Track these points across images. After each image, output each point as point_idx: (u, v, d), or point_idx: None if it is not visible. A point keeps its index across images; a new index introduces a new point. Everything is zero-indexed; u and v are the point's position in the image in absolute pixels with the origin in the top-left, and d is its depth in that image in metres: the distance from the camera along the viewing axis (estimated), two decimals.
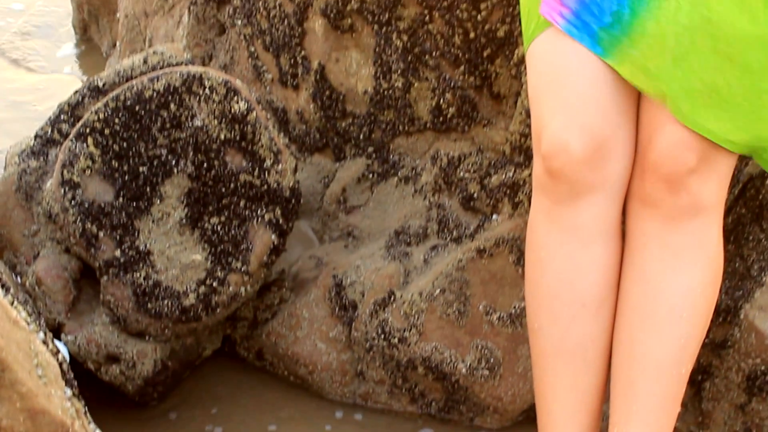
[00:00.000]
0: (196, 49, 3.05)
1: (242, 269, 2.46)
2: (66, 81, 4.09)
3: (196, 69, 2.48)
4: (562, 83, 2.02)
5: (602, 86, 2.00)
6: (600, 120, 1.99)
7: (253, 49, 2.90)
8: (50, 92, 3.98)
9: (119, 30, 3.64)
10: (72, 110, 2.60)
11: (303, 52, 2.79)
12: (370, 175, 2.75)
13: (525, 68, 2.44)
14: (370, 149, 2.76)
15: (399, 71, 2.66)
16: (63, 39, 4.39)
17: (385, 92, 2.69)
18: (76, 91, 2.62)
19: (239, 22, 2.92)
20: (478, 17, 2.50)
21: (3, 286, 2.20)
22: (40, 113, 3.78)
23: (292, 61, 2.82)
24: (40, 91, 4.01)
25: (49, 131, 2.60)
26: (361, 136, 2.77)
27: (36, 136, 2.62)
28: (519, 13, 2.44)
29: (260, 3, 2.84)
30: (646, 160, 2.00)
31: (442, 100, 2.63)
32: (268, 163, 2.47)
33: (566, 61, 2.01)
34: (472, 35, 2.53)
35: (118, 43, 3.72)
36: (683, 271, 2.03)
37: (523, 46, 2.14)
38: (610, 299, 2.07)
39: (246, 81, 2.94)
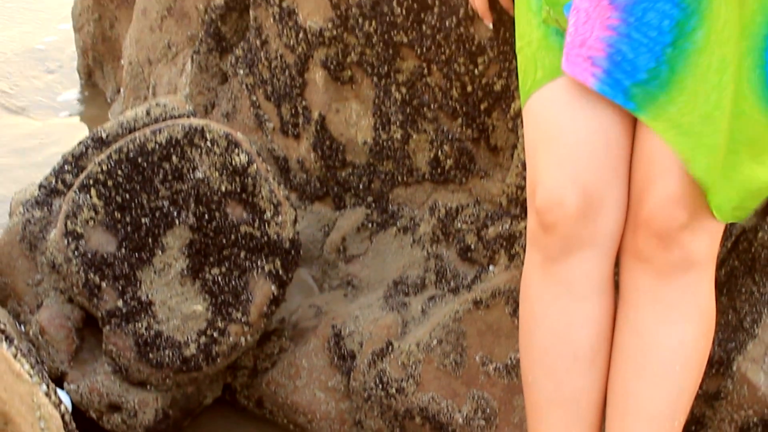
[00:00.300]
0: (199, 97, 3.08)
1: (242, 320, 2.49)
2: (69, 126, 4.10)
3: (198, 122, 2.51)
4: (557, 139, 2.04)
5: (596, 142, 2.02)
6: (593, 176, 2.01)
7: (254, 98, 2.94)
8: (54, 138, 4.00)
9: (123, 76, 3.68)
10: (76, 161, 2.63)
11: (304, 102, 2.82)
12: (370, 225, 2.78)
13: (521, 122, 2.47)
14: (370, 199, 2.79)
15: (398, 123, 2.69)
16: (67, 84, 4.42)
17: (384, 143, 2.73)
18: (80, 142, 2.65)
19: (241, 71, 2.96)
20: (476, 71, 2.54)
21: (7, 338, 2.23)
22: (44, 159, 3.78)
23: (293, 110, 2.85)
24: (43, 137, 4.02)
25: (53, 181, 2.64)
26: (361, 186, 2.80)
27: (40, 186, 2.65)
28: (515, 68, 2.48)
29: (262, 53, 2.88)
30: (638, 215, 2.02)
31: (440, 152, 2.66)
32: (268, 214, 2.50)
33: (561, 118, 2.04)
34: (469, 89, 2.57)
35: (122, 90, 3.75)
36: (676, 326, 2.05)
37: (520, 100, 2.17)
38: (603, 352, 2.09)
39: (248, 129, 2.97)
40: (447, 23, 2.53)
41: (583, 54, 2.00)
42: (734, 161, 1.97)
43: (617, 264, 2.10)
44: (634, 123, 2.02)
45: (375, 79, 2.69)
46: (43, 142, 3.98)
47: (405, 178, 2.73)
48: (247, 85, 2.95)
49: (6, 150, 3.94)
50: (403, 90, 2.66)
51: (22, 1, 5.26)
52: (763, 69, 1.96)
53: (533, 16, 2.14)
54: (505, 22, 2.46)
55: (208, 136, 2.49)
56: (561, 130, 2.04)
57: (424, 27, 2.57)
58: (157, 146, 2.48)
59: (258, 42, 2.88)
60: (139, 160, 2.48)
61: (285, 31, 2.79)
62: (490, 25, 2.43)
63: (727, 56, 1.93)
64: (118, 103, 3.84)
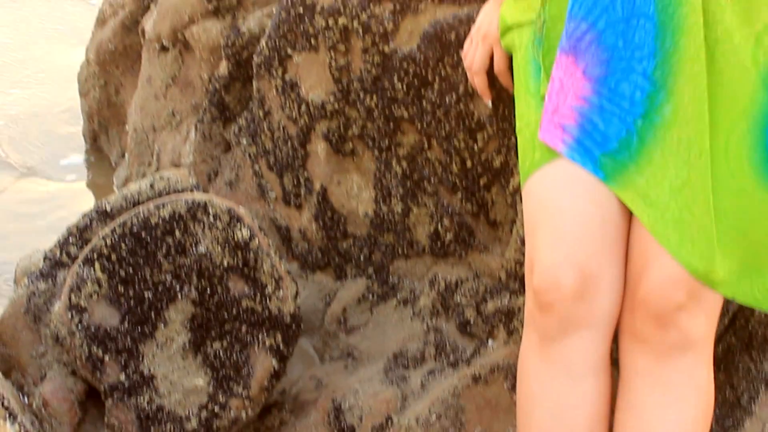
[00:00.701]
0: (203, 165, 3.11)
1: (243, 394, 2.51)
2: (74, 191, 4.11)
3: (201, 196, 2.54)
4: (554, 219, 2.05)
5: (593, 223, 2.03)
6: (590, 257, 2.03)
7: (257, 167, 2.97)
8: (59, 203, 4.01)
9: (128, 143, 3.71)
10: (80, 233, 2.66)
11: (306, 174, 2.85)
12: (371, 296, 2.80)
13: (520, 197, 2.50)
14: (371, 270, 2.82)
15: (398, 196, 2.72)
16: (73, 148, 4.44)
17: (385, 216, 2.75)
18: (84, 215, 2.68)
19: (244, 140, 2.99)
20: (475, 147, 2.57)
21: (11, 416, 2.24)
22: (49, 224, 3.79)
23: (296, 181, 2.88)
24: (48, 202, 4.04)
25: (58, 254, 2.66)
26: (362, 257, 2.82)
27: (45, 258, 2.68)
28: (515, 144, 2.50)
29: (264, 124, 2.91)
30: (635, 296, 2.03)
31: (440, 226, 2.68)
32: (269, 289, 2.52)
33: (558, 198, 2.05)
34: (469, 164, 2.60)
35: (126, 155, 3.78)
36: (675, 406, 2.05)
37: (520, 180, 2.20)
38: (600, 431, 2.11)
39: (250, 198, 3.00)
40: (447, 99, 2.57)
41: (555, 121, 2.03)
42: (739, 241, 1.99)
43: (615, 340, 2.11)
44: None
45: (376, 152, 2.73)
46: (47, 207, 3.99)
47: (405, 251, 2.76)
48: (249, 155, 2.98)
49: (10, 215, 3.94)
50: (404, 164, 2.69)
51: (27, 65, 5.31)
52: (764, 147, 1.99)
53: (531, 97, 2.17)
54: (504, 99, 2.50)
55: (210, 210, 2.52)
56: (558, 211, 2.05)
57: (424, 102, 2.61)
58: (160, 221, 2.51)
59: (261, 113, 2.92)
60: (143, 234, 2.51)
61: (287, 103, 2.83)
62: (489, 103, 2.47)
63: (693, 134, 1.96)
64: (123, 168, 3.87)
